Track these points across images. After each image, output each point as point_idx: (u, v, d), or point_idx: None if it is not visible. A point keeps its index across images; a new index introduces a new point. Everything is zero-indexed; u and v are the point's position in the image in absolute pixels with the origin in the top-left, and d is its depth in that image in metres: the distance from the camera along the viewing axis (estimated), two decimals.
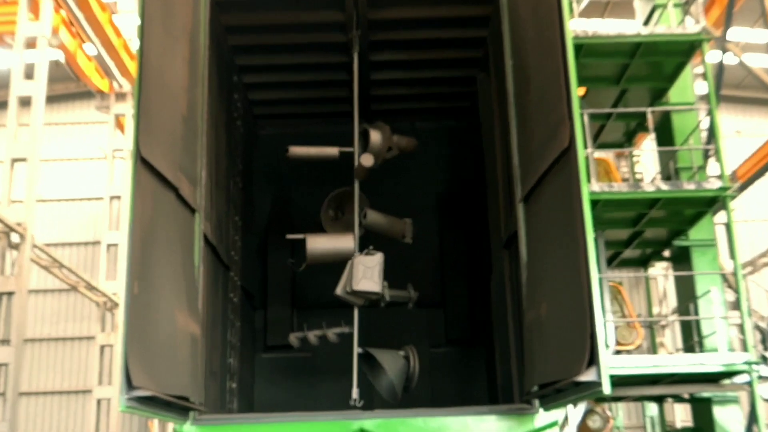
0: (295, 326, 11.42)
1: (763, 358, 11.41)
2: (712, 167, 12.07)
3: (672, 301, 22.93)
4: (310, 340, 9.92)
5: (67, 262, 19.28)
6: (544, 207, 7.14)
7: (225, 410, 9.47)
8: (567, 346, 6.12)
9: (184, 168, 7.41)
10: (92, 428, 19.78)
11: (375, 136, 9.85)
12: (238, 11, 9.79)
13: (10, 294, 14.97)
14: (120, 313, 20.09)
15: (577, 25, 12.17)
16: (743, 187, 15.73)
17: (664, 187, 10.72)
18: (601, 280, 11.10)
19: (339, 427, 7.43)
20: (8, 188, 15.55)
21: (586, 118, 11.37)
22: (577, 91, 6.57)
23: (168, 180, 6.93)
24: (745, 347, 10.45)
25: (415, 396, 9.55)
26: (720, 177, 10.93)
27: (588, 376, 5.59)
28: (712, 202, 11.04)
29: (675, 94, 12.43)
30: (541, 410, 7.23)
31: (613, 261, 13.58)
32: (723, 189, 10.74)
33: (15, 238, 15.65)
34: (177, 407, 6.84)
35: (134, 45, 19.30)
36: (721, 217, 11.74)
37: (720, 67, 14.05)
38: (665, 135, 12.51)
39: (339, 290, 9.14)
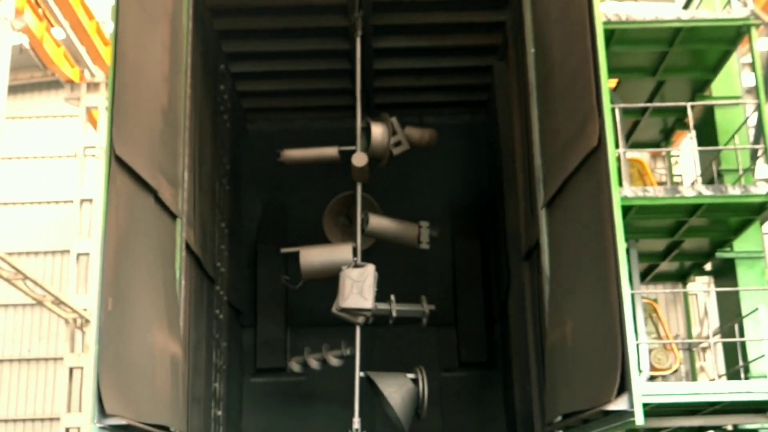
0: (288, 347, 11.45)
1: None
2: (761, 169, 12.06)
3: (714, 320, 22.87)
4: (311, 365, 9.94)
5: (32, 274, 19.29)
6: (570, 214, 7.15)
7: None
8: (595, 370, 6.13)
9: (163, 168, 7.44)
10: None
11: (377, 130, 9.86)
12: None
13: None
14: (92, 332, 20.08)
15: (607, 8, 12.18)
16: None
17: (706, 191, 10.69)
18: (633, 297, 11.08)
19: None
20: None
21: (617, 114, 11.35)
22: (608, 83, 6.59)
23: (146, 182, 6.95)
24: None
25: (425, 426, 9.56)
26: None
27: (618, 405, 5.60)
28: (761, 209, 10.99)
29: (718, 86, 12.39)
30: None
31: (648, 275, 13.54)
32: None
33: None
34: None
35: (108, 28, 19.35)
36: None
37: None
38: (707, 133, 12.47)
39: (334, 309, 9.16)
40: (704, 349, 22.20)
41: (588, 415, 6.20)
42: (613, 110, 8.61)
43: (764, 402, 10.51)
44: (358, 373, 9.00)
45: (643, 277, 13.23)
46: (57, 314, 20.37)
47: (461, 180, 12.24)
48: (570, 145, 6.99)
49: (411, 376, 9.24)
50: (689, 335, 17.47)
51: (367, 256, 10.05)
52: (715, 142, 12.31)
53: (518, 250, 9.45)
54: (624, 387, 5.57)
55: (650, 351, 12.21)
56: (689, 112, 11.53)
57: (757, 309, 11.39)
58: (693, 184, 12.51)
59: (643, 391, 6.48)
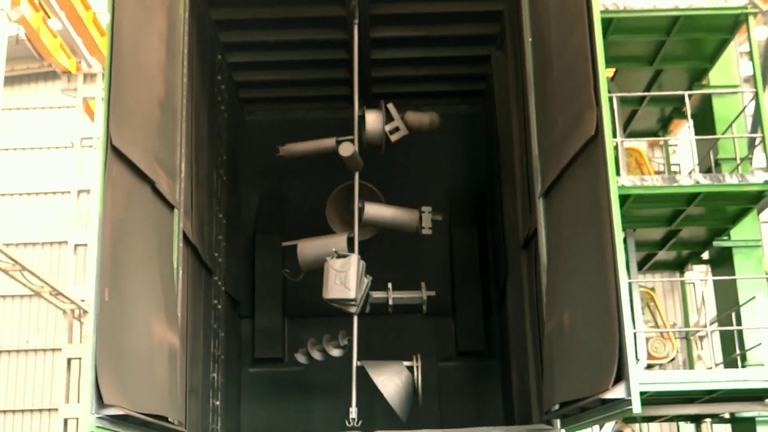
0: (287, 337, 11.46)
1: None
2: (758, 158, 12.06)
3: (711, 309, 22.90)
4: (314, 356, 9.97)
5: (29, 265, 19.29)
6: (568, 203, 7.15)
7: (208, 431, 9.50)
8: (592, 359, 6.13)
9: (161, 159, 7.43)
10: None
11: (370, 117, 9.84)
12: None
13: None
14: (89, 322, 20.09)
15: None
16: None
17: (704, 180, 10.69)
18: (631, 286, 11.09)
19: None
20: None
21: (615, 103, 11.34)
22: (606, 73, 6.57)
23: (143, 172, 6.94)
24: None
25: (423, 415, 9.58)
26: (767, 169, 10.92)
27: (616, 393, 5.61)
28: (758, 198, 10.99)
29: (716, 75, 12.39)
30: (562, 431, 7.25)
31: (645, 264, 13.56)
32: None
33: None
34: (153, 427, 6.87)
35: (105, 19, 19.30)
36: (767, 214, 11.73)
37: None
38: (705, 122, 12.47)
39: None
40: (701, 338, 22.23)
41: (585, 404, 6.21)
42: (610, 99, 8.61)
43: (761, 390, 10.54)
44: (356, 363, 9.01)
45: (641, 265, 13.24)
46: (55, 305, 20.37)
47: (459, 169, 12.24)
48: (567, 135, 6.98)
49: (408, 363, 9.27)
50: (686, 324, 17.51)
51: (367, 246, 10.06)
52: (713, 131, 12.30)
53: (516, 240, 9.46)
54: (621, 375, 5.59)
55: (647, 339, 12.23)
56: (687, 101, 11.52)
57: (754, 297, 11.41)
58: (690, 173, 12.51)
59: (641, 380, 6.50)
